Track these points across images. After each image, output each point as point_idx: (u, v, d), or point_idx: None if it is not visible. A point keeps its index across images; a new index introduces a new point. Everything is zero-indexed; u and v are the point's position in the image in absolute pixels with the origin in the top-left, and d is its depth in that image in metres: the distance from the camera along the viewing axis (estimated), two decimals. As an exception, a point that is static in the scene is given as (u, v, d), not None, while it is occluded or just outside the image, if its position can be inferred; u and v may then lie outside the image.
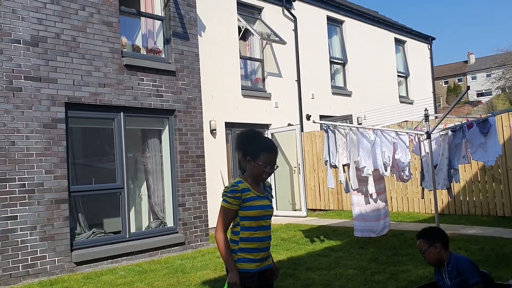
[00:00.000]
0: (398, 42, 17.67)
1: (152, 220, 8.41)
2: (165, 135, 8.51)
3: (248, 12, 12.34)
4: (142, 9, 8.69)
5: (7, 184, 6.40)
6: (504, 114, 9.33)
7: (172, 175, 8.38)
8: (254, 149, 2.93)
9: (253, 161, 2.93)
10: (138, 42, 8.66)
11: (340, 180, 7.56)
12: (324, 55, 14.24)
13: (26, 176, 6.57)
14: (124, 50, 7.99)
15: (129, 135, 8.02)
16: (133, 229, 7.94)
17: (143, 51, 8.57)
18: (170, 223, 8.36)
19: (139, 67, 7.96)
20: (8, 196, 6.39)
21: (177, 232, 8.29)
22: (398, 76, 17.40)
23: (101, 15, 7.57)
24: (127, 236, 7.69)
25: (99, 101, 7.41)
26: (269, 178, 11.79)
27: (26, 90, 6.68)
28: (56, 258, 6.75)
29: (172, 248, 8.10)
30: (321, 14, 14.32)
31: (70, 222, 7.02)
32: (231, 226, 2.98)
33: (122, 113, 7.77)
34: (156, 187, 8.48)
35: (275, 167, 2.97)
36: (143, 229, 8.30)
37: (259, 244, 2.93)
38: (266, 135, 3.19)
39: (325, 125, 7.57)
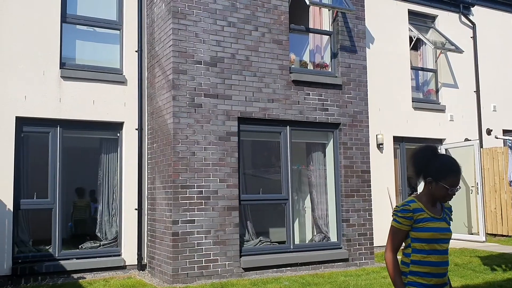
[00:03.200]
0: None
1: (315, 234, 8.45)
2: (329, 149, 8.51)
3: (420, 21, 11.73)
4: (311, 26, 8.88)
5: (188, 190, 7.08)
6: None
7: (336, 189, 8.33)
8: (438, 169, 2.74)
9: (436, 183, 2.73)
10: (306, 57, 8.87)
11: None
12: (509, 63, 12.75)
13: (203, 183, 7.20)
14: (292, 66, 8.25)
15: (294, 148, 8.23)
16: (297, 241, 8.09)
17: (310, 66, 8.75)
18: (333, 238, 8.29)
19: (306, 82, 8.14)
20: (188, 201, 7.07)
21: (340, 248, 8.18)
22: None
23: (272, 34, 7.95)
24: (291, 247, 7.85)
25: (267, 116, 7.77)
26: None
27: (205, 106, 7.34)
28: (227, 262, 7.21)
29: (335, 264, 8.02)
30: (505, 19, 12.89)
31: (240, 229, 7.45)
32: (402, 247, 2.83)
33: (288, 127, 8.01)
34: (319, 200, 8.52)
35: (459, 188, 2.76)
36: (307, 242, 8.40)
37: (431, 268, 2.71)
38: (440, 151, 2.98)
39: (510, 141, 6.74)
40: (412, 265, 2.74)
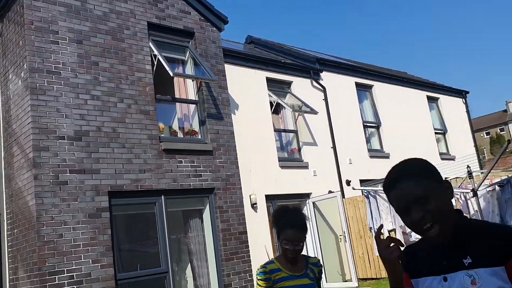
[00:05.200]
0: (431, 99, 17.59)
1: (199, 303, 8.25)
2: (206, 214, 8.55)
3: (278, 87, 12.70)
4: (177, 95, 9.10)
5: (56, 277, 6.49)
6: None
7: (216, 254, 8.32)
8: (278, 226, 2.86)
9: (278, 239, 2.87)
10: (175, 126, 9.00)
11: (388, 247, 7.29)
12: (357, 120, 14.29)
13: (74, 267, 6.67)
14: (162, 135, 8.29)
15: (171, 217, 8.11)
16: (180, 314, 7.80)
17: (179, 134, 8.87)
18: (217, 304, 8.17)
19: (177, 150, 8.20)
20: (57, 289, 6.46)
21: (225, 314, 8.07)
22: (436, 133, 17.14)
23: (138, 105, 7.97)
24: (175, 322, 7.53)
25: (140, 187, 7.61)
26: (314, 248, 11.27)
27: (71, 183, 6.95)
28: None
29: (221, 331, 7.86)
30: (349, 81, 14.56)
31: (118, 311, 6.97)
32: None
33: (163, 196, 7.92)
34: (200, 268, 8.40)
35: (300, 245, 2.82)
36: (191, 313, 8.14)
37: None
38: (298, 209, 3.05)
39: (365, 191, 7.45)
40: None
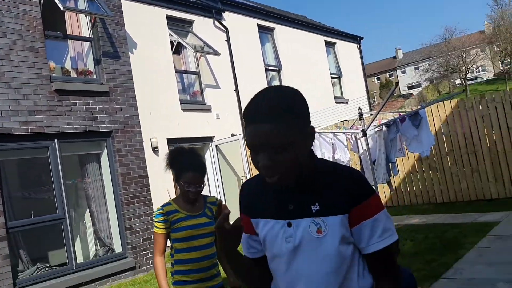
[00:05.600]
0: (329, 44, 18.17)
1: (99, 248, 8.13)
2: (104, 158, 8.27)
3: (179, 26, 12.27)
4: (69, 32, 8.43)
5: None
6: (434, 105, 9.83)
7: (116, 198, 8.16)
8: (177, 168, 2.85)
9: (178, 181, 2.86)
10: (67, 65, 8.39)
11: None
12: (259, 63, 14.40)
13: (-44, 217, 6.17)
14: (53, 75, 7.71)
15: (66, 162, 7.73)
16: (80, 259, 7.64)
17: (73, 74, 8.31)
18: (118, 248, 8.11)
19: (70, 91, 7.71)
20: None
21: (126, 257, 8.06)
22: (332, 77, 17.88)
23: (24, 41, 7.27)
24: (74, 268, 7.38)
25: (30, 130, 7.10)
26: (217, 190, 11.51)
27: None
28: (-1, 300, 6.37)
29: (123, 274, 7.86)
30: (251, 23, 14.50)
31: (11, 260, 6.65)
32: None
33: (56, 140, 7.48)
34: (100, 213, 8.21)
35: (202, 186, 2.85)
36: (91, 258, 8.01)
37: (193, 265, 2.82)
38: (194, 151, 3.01)
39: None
40: (176, 264, 2.86)
